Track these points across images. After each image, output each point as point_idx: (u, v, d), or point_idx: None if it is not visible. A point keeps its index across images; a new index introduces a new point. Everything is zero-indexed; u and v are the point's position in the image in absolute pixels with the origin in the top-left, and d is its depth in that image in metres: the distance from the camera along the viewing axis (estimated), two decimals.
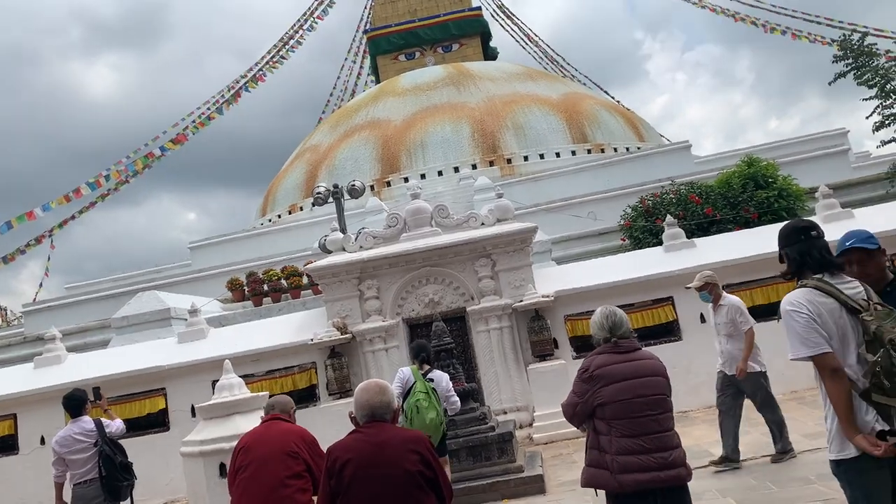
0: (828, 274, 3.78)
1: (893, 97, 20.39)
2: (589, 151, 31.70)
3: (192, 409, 11.95)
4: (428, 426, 6.75)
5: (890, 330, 3.48)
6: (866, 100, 21.07)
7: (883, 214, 13.55)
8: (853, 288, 3.75)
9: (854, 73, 21.15)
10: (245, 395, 9.36)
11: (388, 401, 4.09)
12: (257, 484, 5.06)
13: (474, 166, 30.49)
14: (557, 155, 31.37)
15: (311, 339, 12.80)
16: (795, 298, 3.70)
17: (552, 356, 12.60)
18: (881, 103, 20.48)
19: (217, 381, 9.61)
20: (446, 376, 7.67)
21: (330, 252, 13.85)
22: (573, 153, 31.52)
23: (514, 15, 52.59)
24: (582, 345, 12.46)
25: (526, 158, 31.20)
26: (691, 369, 11.94)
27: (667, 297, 12.88)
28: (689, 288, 8.76)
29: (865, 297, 3.70)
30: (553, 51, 51.70)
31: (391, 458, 3.85)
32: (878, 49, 22.99)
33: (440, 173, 30.91)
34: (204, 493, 8.00)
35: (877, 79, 20.42)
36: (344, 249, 13.54)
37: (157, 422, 13.22)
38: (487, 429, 9.26)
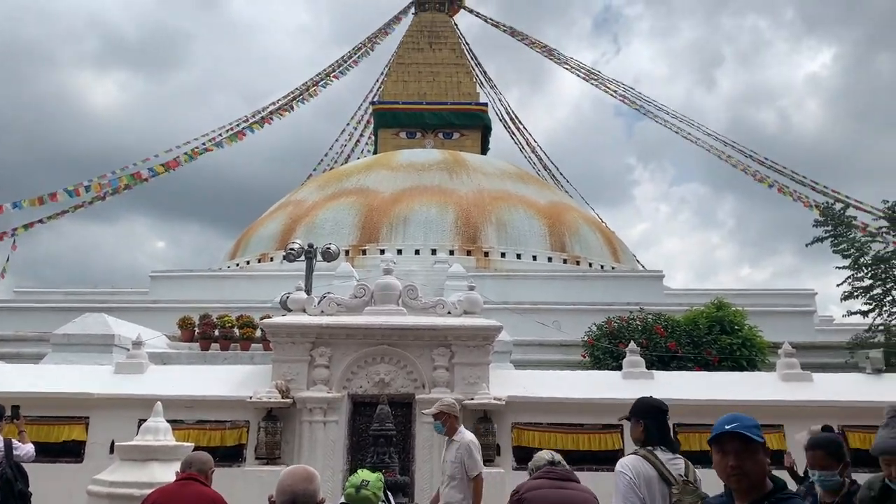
0: (659, 447, 4.46)
1: (865, 271, 20.83)
2: (565, 261, 32.15)
3: (112, 445, 11.36)
4: (370, 476, 6.40)
5: None
6: (839, 268, 21.54)
7: (842, 383, 13.60)
8: (675, 463, 4.41)
9: (831, 241, 21.67)
10: (169, 442, 8.96)
11: (313, 490, 3.86)
12: None
13: (452, 252, 30.69)
14: (534, 258, 31.80)
15: (250, 397, 12.34)
16: (625, 462, 4.40)
17: (492, 462, 12.22)
18: (853, 275, 20.91)
19: (144, 420, 9.21)
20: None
21: (290, 310, 13.55)
22: (549, 259, 31.95)
23: (517, 118, 53.97)
24: (525, 456, 12.02)
25: (503, 255, 31.52)
26: None
27: (617, 424, 12.67)
28: (426, 413, 7.90)
29: (682, 473, 4.32)
30: (549, 158, 52.90)
31: None
32: (856, 221, 23.68)
33: (417, 252, 31.03)
34: None
35: (852, 251, 20.93)
36: (304, 311, 13.26)
37: (71, 451, 12.47)
38: None
